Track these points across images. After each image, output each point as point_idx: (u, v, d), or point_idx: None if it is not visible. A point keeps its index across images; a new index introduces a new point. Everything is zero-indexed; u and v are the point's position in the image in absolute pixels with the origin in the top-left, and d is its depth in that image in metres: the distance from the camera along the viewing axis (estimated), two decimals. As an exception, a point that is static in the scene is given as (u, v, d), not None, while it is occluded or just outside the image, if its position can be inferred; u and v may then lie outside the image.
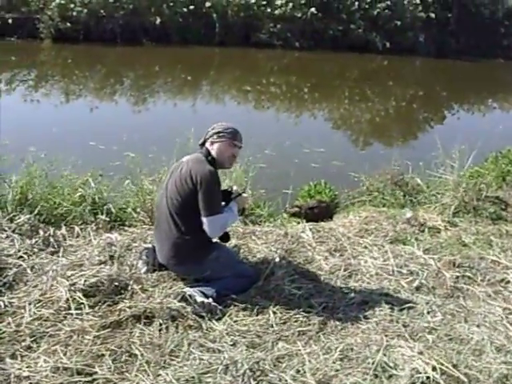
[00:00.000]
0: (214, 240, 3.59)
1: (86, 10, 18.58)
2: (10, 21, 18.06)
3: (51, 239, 4.17)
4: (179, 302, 3.29)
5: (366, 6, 20.35)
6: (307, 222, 5.15)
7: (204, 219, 3.38)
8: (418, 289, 3.71)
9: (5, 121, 9.19)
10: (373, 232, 4.69)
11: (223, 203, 3.60)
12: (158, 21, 19.16)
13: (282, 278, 3.62)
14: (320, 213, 5.30)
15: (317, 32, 19.98)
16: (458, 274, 3.91)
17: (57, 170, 5.12)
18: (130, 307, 3.23)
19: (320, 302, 3.45)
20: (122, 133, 8.87)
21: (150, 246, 3.81)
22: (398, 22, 20.14)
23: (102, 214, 4.64)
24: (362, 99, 14.76)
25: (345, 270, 3.88)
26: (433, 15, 20.59)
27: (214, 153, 3.54)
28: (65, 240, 4.29)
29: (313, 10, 19.81)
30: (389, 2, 20.34)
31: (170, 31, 19.62)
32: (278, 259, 3.88)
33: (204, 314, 3.23)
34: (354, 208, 5.79)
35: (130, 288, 3.47)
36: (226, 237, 3.64)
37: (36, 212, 4.44)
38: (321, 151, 9.09)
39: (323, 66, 18.24)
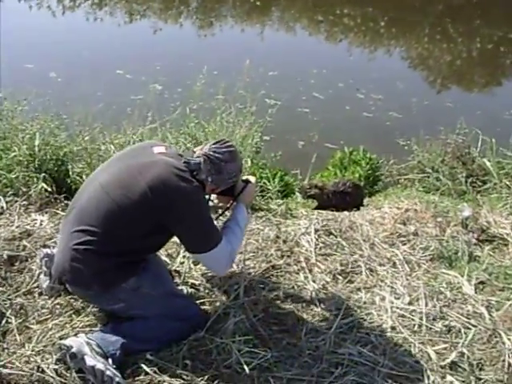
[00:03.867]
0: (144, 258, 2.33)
1: None
2: None
3: (-45, 217, 3.07)
4: (58, 361, 2.09)
5: None
6: (325, 209, 3.80)
7: (201, 256, 2.23)
8: (453, 367, 2.23)
9: (45, 40, 8.61)
10: (410, 239, 3.26)
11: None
12: None
13: (233, 332, 2.27)
14: (350, 201, 3.92)
15: (400, -43, 17.59)
16: (525, 340, 2.40)
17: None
18: (-19, 362, 2.07)
19: (285, 380, 2.12)
20: (172, 59, 8.11)
21: (54, 251, 2.47)
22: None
23: (44, 181, 3.48)
24: (443, 38, 12.80)
25: (343, 317, 2.47)
26: None
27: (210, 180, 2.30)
28: (-17, 217, 3.18)
29: None
30: None
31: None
32: (242, 292, 2.53)
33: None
34: (395, 191, 4.35)
35: (3, 323, 2.29)
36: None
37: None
38: (378, 98, 7.60)
39: (403, -2, 16.11)
